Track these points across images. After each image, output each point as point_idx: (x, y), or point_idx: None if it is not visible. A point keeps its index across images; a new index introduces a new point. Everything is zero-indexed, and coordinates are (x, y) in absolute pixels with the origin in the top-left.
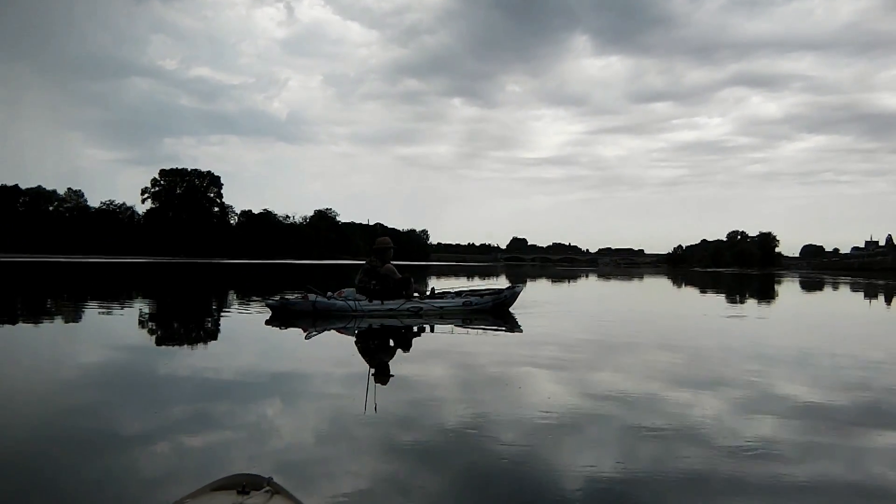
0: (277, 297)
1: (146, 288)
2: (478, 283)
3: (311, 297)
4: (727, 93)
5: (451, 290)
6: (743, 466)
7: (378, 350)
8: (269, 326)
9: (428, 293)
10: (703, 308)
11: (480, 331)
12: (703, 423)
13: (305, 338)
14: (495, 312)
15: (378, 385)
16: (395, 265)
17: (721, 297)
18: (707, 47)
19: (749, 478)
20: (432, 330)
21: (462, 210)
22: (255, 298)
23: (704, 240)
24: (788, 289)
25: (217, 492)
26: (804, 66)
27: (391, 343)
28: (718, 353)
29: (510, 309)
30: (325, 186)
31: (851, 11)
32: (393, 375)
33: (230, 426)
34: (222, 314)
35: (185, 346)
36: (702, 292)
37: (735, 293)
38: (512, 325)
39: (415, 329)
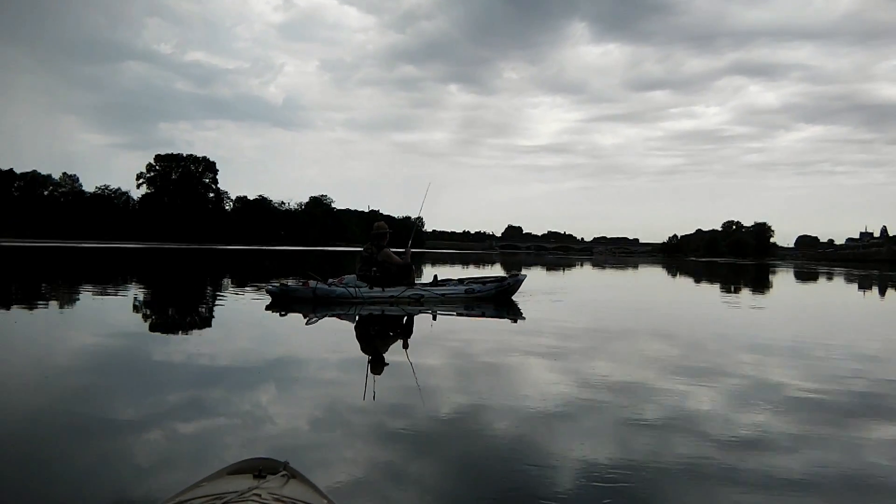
0: (277, 284)
1: (142, 273)
2: (481, 272)
3: (312, 283)
4: (725, 81)
5: (452, 278)
6: (738, 456)
7: (378, 337)
8: (269, 312)
9: (430, 281)
10: (698, 298)
11: (482, 318)
12: (700, 413)
13: (306, 324)
14: (498, 300)
15: (378, 371)
16: (394, 251)
17: (716, 287)
18: (706, 35)
19: (744, 468)
20: (434, 318)
21: (458, 197)
22: (252, 284)
23: (699, 229)
24: (783, 279)
25: (233, 476)
26: (803, 55)
27: (391, 330)
28: (714, 343)
29: (512, 297)
30: (321, 172)
31: (852, 0)
32: (392, 363)
33: (234, 412)
34: (221, 300)
35: (185, 332)
36: (696, 282)
37: (730, 283)
38: (515, 314)
39: (416, 316)
